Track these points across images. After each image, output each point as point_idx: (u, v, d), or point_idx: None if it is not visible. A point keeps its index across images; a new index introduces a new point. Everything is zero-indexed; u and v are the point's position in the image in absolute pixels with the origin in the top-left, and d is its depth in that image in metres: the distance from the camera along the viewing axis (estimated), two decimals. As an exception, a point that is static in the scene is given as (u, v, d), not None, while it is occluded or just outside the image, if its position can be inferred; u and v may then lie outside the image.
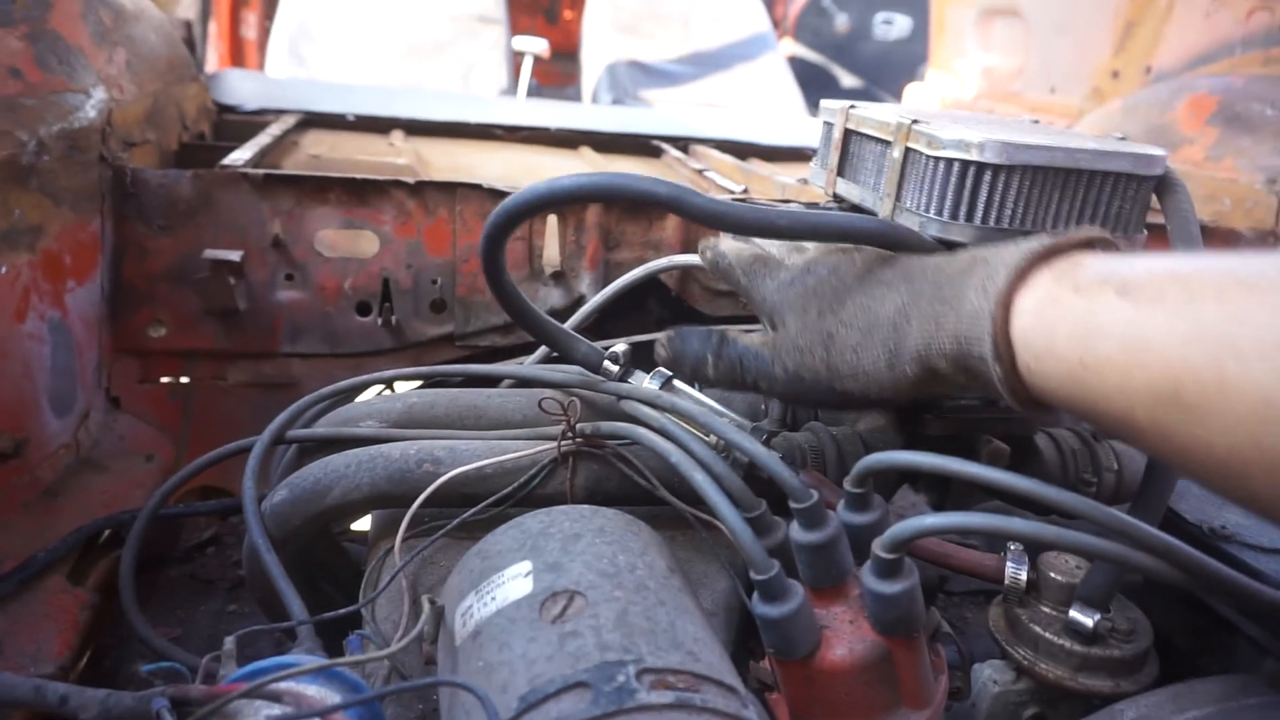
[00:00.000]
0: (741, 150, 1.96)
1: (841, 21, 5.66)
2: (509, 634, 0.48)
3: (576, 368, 0.76)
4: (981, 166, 0.62)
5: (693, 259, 0.95)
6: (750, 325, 1.08)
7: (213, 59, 3.67)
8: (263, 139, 1.50)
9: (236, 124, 1.72)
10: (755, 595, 0.57)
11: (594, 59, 3.92)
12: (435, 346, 1.24)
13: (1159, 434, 0.43)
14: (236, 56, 3.99)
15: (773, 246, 0.73)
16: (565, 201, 0.68)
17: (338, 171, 1.22)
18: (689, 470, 0.63)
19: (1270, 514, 0.43)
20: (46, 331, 0.97)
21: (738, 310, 1.26)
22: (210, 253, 1.12)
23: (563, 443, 0.71)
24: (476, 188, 1.21)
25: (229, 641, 0.51)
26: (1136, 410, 0.43)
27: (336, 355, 1.21)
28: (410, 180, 1.20)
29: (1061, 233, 0.53)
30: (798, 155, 1.99)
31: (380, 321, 1.20)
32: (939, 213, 0.65)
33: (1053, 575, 0.66)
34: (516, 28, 3.92)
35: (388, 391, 0.97)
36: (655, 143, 1.98)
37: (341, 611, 0.63)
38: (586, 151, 1.90)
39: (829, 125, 0.82)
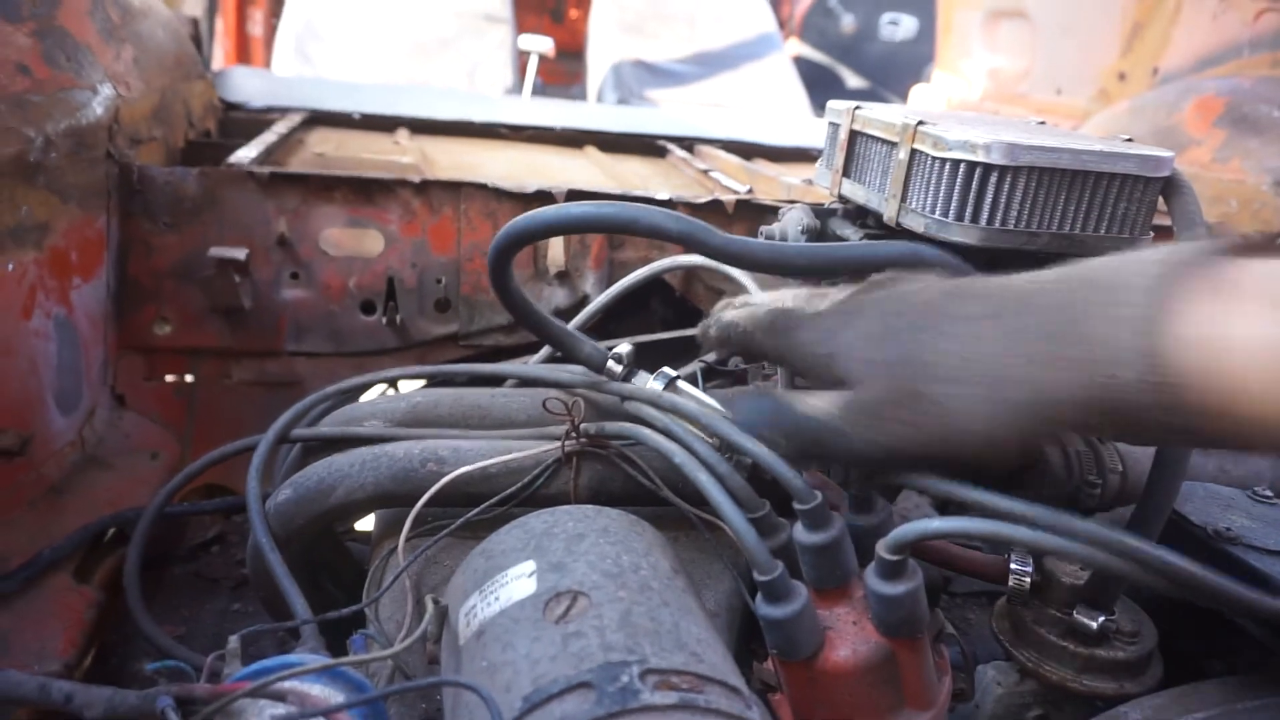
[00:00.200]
0: (747, 150, 1.95)
1: (848, 22, 5.65)
2: (513, 634, 0.48)
3: (580, 368, 0.76)
4: (987, 168, 0.62)
5: (696, 259, 0.95)
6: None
7: (219, 56, 3.68)
8: (268, 137, 1.50)
9: (242, 121, 1.73)
10: (759, 596, 0.57)
11: (599, 58, 3.92)
12: (440, 345, 1.24)
13: None
14: (243, 54, 4.00)
15: (785, 297, 0.64)
16: (574, 230, 0.68)
17: (343, 170, 1.22)
18: (693, 471, 0.63)
19: None
20: (52, 329, 0.97)
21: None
22: (216, 251, 1.12)
23: (567, 443, 0.71)
24: (481, 187, 1.21)
25: (233, 640, 0.51)
26: None
27: (341, 354, 1.21)
28: (415, 179, 1.21)
29: (1192, 238, 0.47)
30: (803, 156, 1.99)
31: (385, 320, 1.21)
32: (945, 214, 0.65)
33: (1057, 577, 0.66)
34: (522, 26, 3.92)
35: (392, 391, 0.97)
36: (660, 143, 1.98)
37: (345, 611, 0.63)
38: (591, 151, 1.90)
39: (835, 126, 0.82)
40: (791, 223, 0.80)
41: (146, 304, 1.15)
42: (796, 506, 0.58)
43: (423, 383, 1.00)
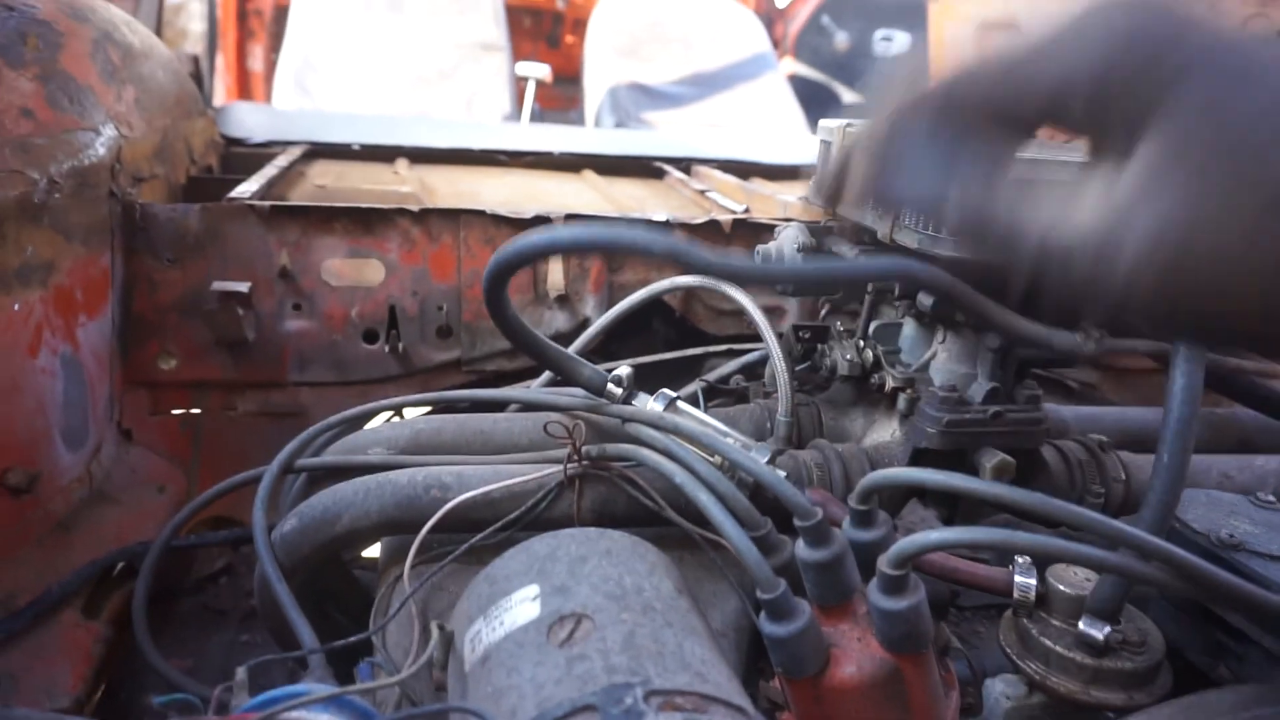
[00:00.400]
0: (744, 170, 1.97)
1: (841, 39, 5.68)
2: (517, 658, 0.49)
3: (581, 391, 0.77)
4: (977, 183, 0.63)
5: (696, 280, 0.96)
6: (754, 345, 1.09)
7: (220, 92, 3.72)
8: (269, 170, 1.52)
9: (244, 156, 1.75)
10: (762, 614, 0.57)
11: (596, 82, 3.95)
12: (442, 372, 1.25)
13: None
14: (244, 89, 4.05)
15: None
16: (563, 252, 0.68)
17: (343, 201, 1.24)
18: (694, 490, 0.63)
19: None
20: (59, 366, 0.98)
21: (742, 329, 1.26)
22: (219, 284, 1.13)
23: (569, 466, 0.72)
24: (480, 214, 1.23)
25: (241, 672, 0.51)
26: None
27: (344, 383, 1.22)
28: (414, 208, 1.22)
29: None
30: (800, 174, 2.00)
31: (387, 349, 1.22)
32: (937, 229, 0.66)
33: (1061, 588, 0.65)
34: (519, 54, 3.95)
35: (395, 418, 0.97)
36: (658, 164, 1.99)
37: (352, 639, 0.63)
38: (589, 175, 1.92)
39: (826, 144, 0.83)
40: (787, 241, 0.81)
41: (151, 339, 1.16)
42: (797, 523, 0.58)
43: (426, 410, 1.01)
